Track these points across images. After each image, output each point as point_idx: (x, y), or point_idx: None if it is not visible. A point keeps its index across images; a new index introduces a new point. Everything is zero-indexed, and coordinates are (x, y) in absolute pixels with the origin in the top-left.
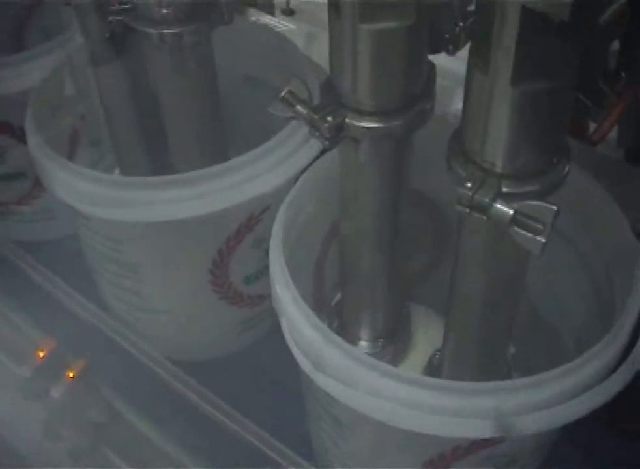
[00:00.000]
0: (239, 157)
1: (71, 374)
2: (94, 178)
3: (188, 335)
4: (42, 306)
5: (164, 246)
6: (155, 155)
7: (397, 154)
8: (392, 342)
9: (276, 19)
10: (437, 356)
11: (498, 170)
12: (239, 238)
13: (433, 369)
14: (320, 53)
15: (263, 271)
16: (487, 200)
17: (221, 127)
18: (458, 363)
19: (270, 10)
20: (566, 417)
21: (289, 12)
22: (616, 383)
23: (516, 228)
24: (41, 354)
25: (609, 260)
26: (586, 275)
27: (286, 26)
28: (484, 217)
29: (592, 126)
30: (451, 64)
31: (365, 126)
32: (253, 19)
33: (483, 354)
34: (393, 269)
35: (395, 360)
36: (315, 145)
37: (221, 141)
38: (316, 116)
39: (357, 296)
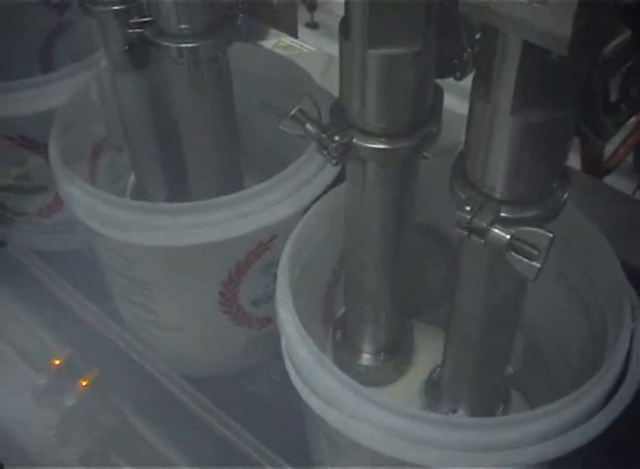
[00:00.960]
0: (251, 188)
1: (84, 383)
2: (112, 201)
3: (197, 353)
4: (59, 315)
5: (176, 268)
6: (171, 165)
7: (404, 175)
8: (394, 356)
9: (298, 42)
10: (437, 371)
11: (498, 195)
12: (248, 264)
13: (432, 383)
14: (333, 80)
15: (271, 295)
16: (484, 224)
17: (236, 144)
18: (457, 380)
19: (292, 31)
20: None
21: (313, 26)
22: (601, 422)
23: (512, 253)
24: (56, 362)
25: (604, 304)
26: (584, 317)
27: (307, 48)
28: (481, 241)
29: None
30: None
31: (372, 146)
32: (274, 40)
33: (481, 372)
34: (397, 287)
35: (396, 374)
36: (326, 177)
37: (236, 158)
38: (324, 135)
39: (360, 311)
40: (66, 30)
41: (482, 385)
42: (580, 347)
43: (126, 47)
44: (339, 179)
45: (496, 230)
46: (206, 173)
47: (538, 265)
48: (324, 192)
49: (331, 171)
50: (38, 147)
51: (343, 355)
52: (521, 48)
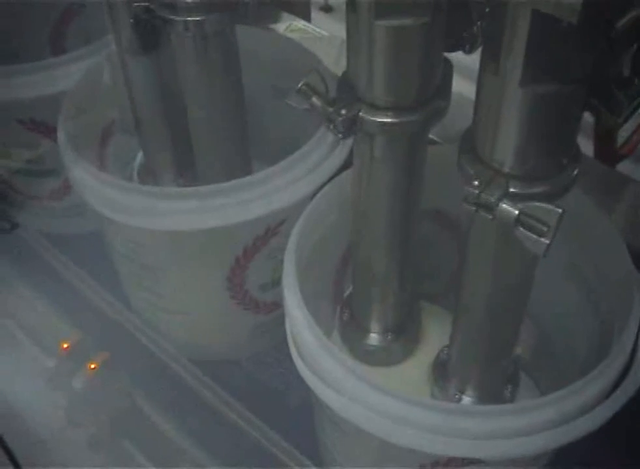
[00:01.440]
0: (259, 173)
1: (93, 366)
2: (120, 186)
3: (204, 337)
4: (69, 299)
5: (183, 253)
6: (179, 146)
7: (411, 150)
8: (401, 336)
9: (310, 26)
10: (445, 352)
11: (507, 170)
12: (256, 249)
13: (440, 364)
14: None
15: (278, 280)
16: (493, 199)
17: (244, 125)
18: (464, 361)
19: (305, 14)
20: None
21: (327, 9)
22: (605, 412)
23: (521, 228)
24: (65, 346)
25: (613, 294)
26: (593, 307)
27: (319, 33)
28: (490, 217)
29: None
30: None
31: (380, 120)
32: (286, 23)
33: (489, 353)
34: (405, 266)
35: (404, 354)
36: (334, 162)
37: (244, 139)
38: (331, 109)
39: (367, 290)
40: (78, 13)
41: (490, 366)
42: (588, 337)
43: (132, 20)
44: (347, 164)
45: (504, 205)
46: (214, 153)
47: (547, 241)
48: (333, 177)
49: (339, 156)
50: (49, 130)
51: (350, 334)
52: (531, 17)
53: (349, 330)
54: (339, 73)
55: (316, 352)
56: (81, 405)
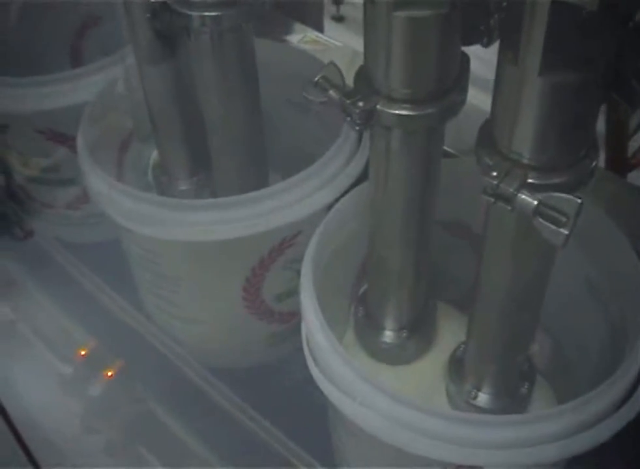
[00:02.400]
0: (275, 186)
1: (109, 373)
2: (138, 197)
3: (220, 346)
4: (85, 306)
5: (200, 263)
6: (195, 149)
7: (428, 144)
8: (416, 334)
9: (323, 37)
10: (461, 349)
11: (525, 161)
12: (272, 259)
13: (456, 361)
14: None
15: (294, 291)
16: (511, 190)
17: (261, 128)
18: (480, 357)
19: (318, 26)
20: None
21: (338, 19)
22: (615, 424)
23: (540, 219)
24: (82, 353)
25: (624, 306)
26: (604, 317)
27: (332, 43)
28: (508, 208)
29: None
30: None
31: (397, 113)
32: (300, 34)
33: (505, 349)
34: (421, 263)
35: (418, 352)
36: (350, 174)
37: (261, 144)
38: (348, 101)
39: (383, 287)
40: (95, 25)
41: (507, 361)
42: (600, 347)
43: (148, 15)
44: (363, 176)
45: (523, 196)
46: (230, 154)
47: (566, 232)
48: (348, 189)
49: (355, 169)
50: (67, 140)
51: (365, 332)
52: (550, 6)
53: (364, 327)
54: (351, 82)
55: (330, 357)
56: (97, 412)
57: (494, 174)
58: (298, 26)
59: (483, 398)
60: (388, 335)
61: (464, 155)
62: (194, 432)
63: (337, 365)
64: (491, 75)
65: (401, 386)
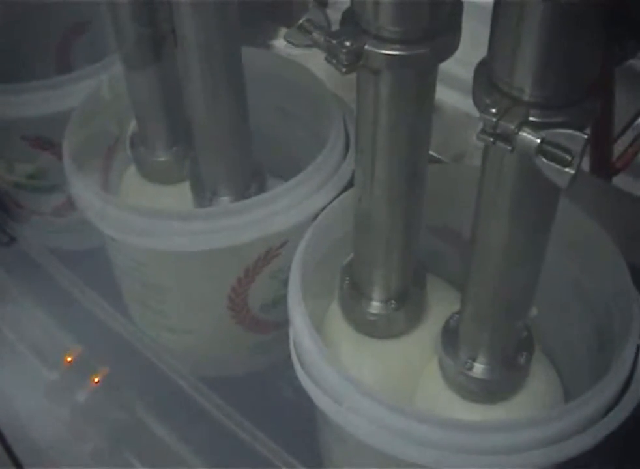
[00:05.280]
0: (260, 196)
1: (96, 380)
2: (124, 206)
3: (206, 355)
4: (73, 313)
5: (185, 272)
6: (172, 111)
7: (419, 89)
8: (405, 305)
9: None
10: (455, 318)
11: (526, 97)
12: (257, 269)
13: (450, 330)
14: (343, 81)
15: (280, 301)
16: (512, 127)
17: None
18: (477, 323)
19: None
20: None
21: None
22: (601, 430)
23: (543, 159)
24: (69, 359)
25: (612, 310)
26: (591, 321)
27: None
28: (508, 148)
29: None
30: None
31: (386, 53)
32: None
33: (503, 313)
34: (410, 222)
35: (408, 324)
36: (335, 186)
37: (245, 119)
38: (334, 41)
39: (369, 251)
40: (83, 31)
41: (504, 328)
42: (587, 351)
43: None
44: (351, 185)
45: (524, 134)
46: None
47: (572, 171)
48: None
49: (342, 179)
50: (53, 146)
51: (351, 303)
52: None
53: (349, 298)
54: (335, 87)
55: (318, 362)
56: (85, 418)
57: (494, 110)
58: (284, 31)
59: (478, 368)
60: (375, 306)
61: (452, 161)
62: (181, 438)
63: (325, 370)
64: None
65: (390, 362)
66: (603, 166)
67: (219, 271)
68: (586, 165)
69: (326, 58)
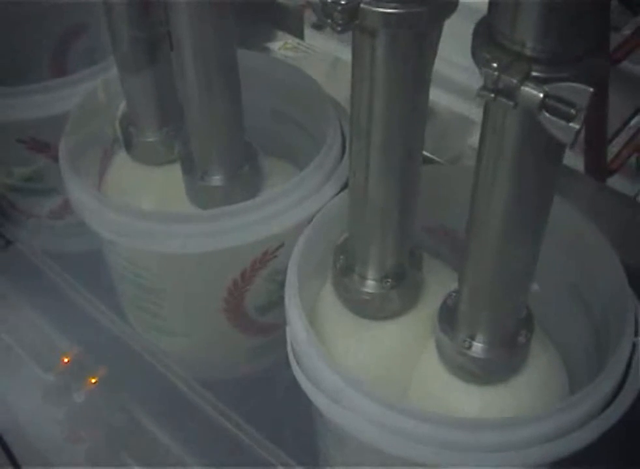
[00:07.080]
0: (257, 198)
1: (93, 381)
2: (121, 209)
3: (203, 358)
4: (69, 315)
5: (182, 275)
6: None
7: (418, 52)
8: (401, 284)
9: (304, 43)
10: (452, 296)
11: (529, 52)
12: (254, 272)
13: (447, 309)
14: (339, 83)
15: (276, 303)
16: (515, 81)
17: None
18: (475, 301)
19: (298, 33)
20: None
21: (318, 27)
22: (597, 428)
23: (547, 114)
24: (65, 360)
25: (607, 310)
26: (588, 322)
27: (312, 51)
28: (511, 103)
29: None
30: None
31: (383, 11)
32: (281, 41)
33: (503, 289)
34: (406, 194)
35: (404, 304)
36: (331, 188)
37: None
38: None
39: (363, 227)
40: (80, 34)
41: (503, 305)
42: (584, 351)
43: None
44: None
45: (527, 88)
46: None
47: (577, 126)
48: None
49: (338, 181)
50: (50, 149)
51: (345, 282)
52: None
53: (343, 277)
54: (331, 88)
55: (315, 362)
56: (81, 420)
57: (495, 65)
58: (279, 33)
59: (477, 347)
60: (370, 285)
61: (448, 162)
62: (178, 439)
63: (322, 369)
64: (476, 84)
65: (385, 344)
66: (598, 167)
67: (215, 274)
68: (580, 166)
69: (320, 18)
